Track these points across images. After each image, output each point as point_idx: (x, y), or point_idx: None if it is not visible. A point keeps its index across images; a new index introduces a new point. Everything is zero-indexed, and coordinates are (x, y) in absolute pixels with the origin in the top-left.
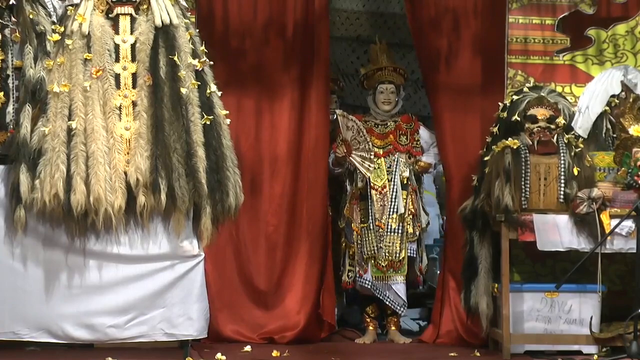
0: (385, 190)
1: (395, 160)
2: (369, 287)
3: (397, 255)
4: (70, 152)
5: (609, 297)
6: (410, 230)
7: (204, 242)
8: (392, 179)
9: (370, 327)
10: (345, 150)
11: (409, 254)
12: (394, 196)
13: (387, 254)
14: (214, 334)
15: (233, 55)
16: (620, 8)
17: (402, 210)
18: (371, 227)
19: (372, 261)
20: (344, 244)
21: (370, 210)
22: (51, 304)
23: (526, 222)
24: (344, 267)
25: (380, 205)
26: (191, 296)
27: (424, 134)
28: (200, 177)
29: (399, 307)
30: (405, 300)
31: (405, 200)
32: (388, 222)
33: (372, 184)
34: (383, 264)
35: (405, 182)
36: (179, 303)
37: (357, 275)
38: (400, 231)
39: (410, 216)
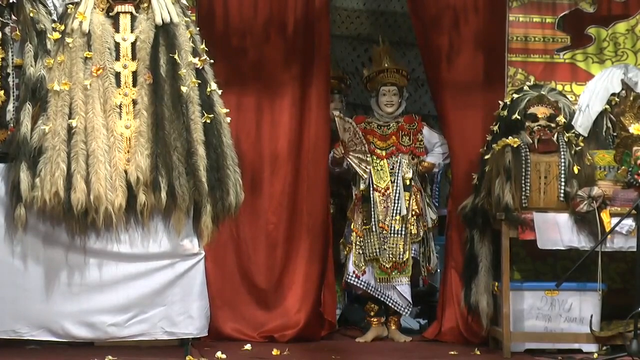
0: (388, 191)
1: (398, 161)
2: (364, 288)
3: (401, 256)
4: (70, 151)
5: (609, 296)
6: (414, 231)
7: (204, 240)
8: (395, 181)
9: (373, 324)
10: (342, 151)
11: (412, 255)
12: (396, 198)
13: (390, 256)
14: (215, 333)
15: (233, 54)
16: (621, 6)
17: (404, 212)
18: (373, 229)
19: (375, 263)
20: (342, 245)
21: (372, 212)
22: (51, 302)
23: (526, 220)
24: (346, 267)
25: (384, 207)
26: (191, 294)
27: (427, 134)
28: (201, 176)
29: (402, 308)
30: (410, 301)
31: (408, 202)
32: (391, 223)
33: (374, 186)
34: (387, 266)
35: (408, 183)
36: (179, 301)
37: (353, 275)
38: (403, 232)
39: (414, 217)
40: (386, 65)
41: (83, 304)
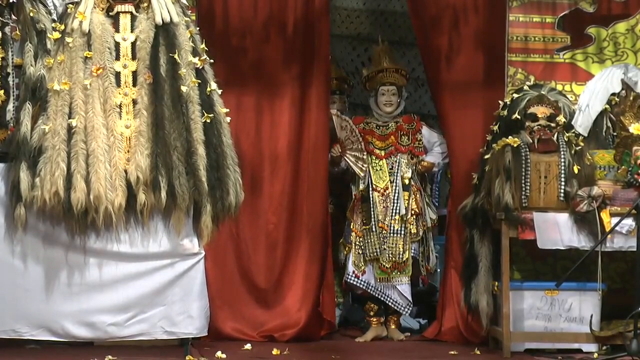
0: (387, 191)
1: (397, 161)
2: (364, 287)
3: (401, 256)
4: (70, 150)
5: (609, 295)
6: (414, 230)
7: (204, 240)
8: (394, 181)
9: (372, 324)
10: (339, 150)
11: (411, 254)
12: (395, 197)
13: (390, 256)
14: (214, 332)
15: (233, 53)
16: (621, 6)
17: (403, 211)
18: (373, 229)
19: (375, 263)
20: (342, 245)
21: (372, 212)
22: (51, 302)
23: (526, 220)
24: (346, 267)
25: (383, 207)
26: (191, 294)
27: (426, 133)
28: (201, 175)
29: (402, 308)
30: (411, 301)
31: (407, 201)
32: (391, 223)
33: (374, 186)
34: (387, 266)
35: (407, 182)
36: (179, 301)
37: (352, 275)
38: (402, 232)
39: (414, 216)
40: (385, 65)
41: (83, 304)
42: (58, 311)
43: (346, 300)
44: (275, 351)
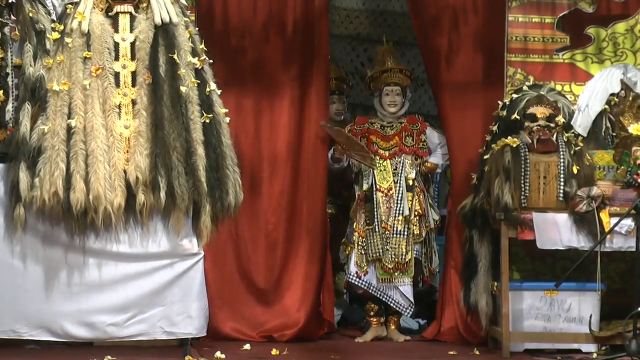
0: (391, 192)
1: (401, 162)
2: (365, 287)
3: (403, 257)
4: (69, 150)
5: (609, 296)
6: (417, 231)
7: (203, 240)
8: (398, 181)
9: (372, 324)
10: (341, 149)
11: (414, 255)
12: (399, 198)
13: (393, 256)
14: (214, 332)
15: (233, 54)
16: (620, 6)
17: (407, 212)
18: (376, 230)
19: (377, 263)
20: (344, 244)
21: (375, 213)
22: (51, 302)
23: (526, 220)
24: (347, 267)
25: (387, 208)
26: (190, 294)
27: (430, 134)
28: (200, 176)
29: (404, 309)
30: (412, 301)
31: (411, 202)
32: (394, 224)
33: (377, 186)
34: (389, 266)
35: (411, 183)
36: (179, 301)
37: (354, 275)
38: (405, 233)
39: (417, 217)
40: (390, 65)
41: (82, 304)
42: (57, 311)
43: (343, 300)
44: (274, 351)
